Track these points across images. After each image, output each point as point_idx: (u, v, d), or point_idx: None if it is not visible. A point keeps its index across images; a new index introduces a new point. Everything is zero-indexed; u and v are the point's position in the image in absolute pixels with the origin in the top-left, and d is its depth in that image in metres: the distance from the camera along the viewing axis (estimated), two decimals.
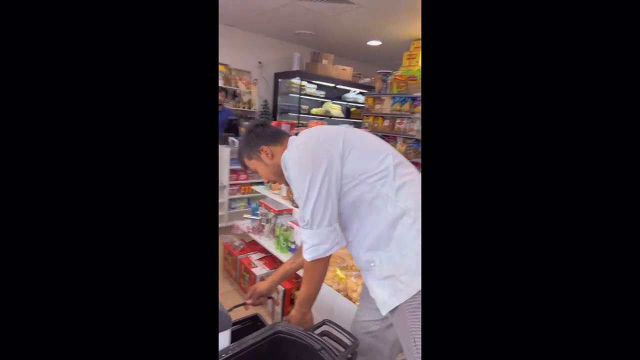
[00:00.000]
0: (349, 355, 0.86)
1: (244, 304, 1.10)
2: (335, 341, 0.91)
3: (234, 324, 0.99)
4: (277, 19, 3.72)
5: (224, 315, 0.77)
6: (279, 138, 0.99)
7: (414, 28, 3.68)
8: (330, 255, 0.90)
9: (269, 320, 1.04)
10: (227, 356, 0.74)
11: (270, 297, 1.21)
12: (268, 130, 1.00)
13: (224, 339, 0.77)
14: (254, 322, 1.06)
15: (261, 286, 1.14)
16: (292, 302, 1.77)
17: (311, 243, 0.87)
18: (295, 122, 4.25)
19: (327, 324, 0.95)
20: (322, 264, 0.90)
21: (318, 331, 0.91)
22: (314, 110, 4.83)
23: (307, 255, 0.88)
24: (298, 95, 4.48)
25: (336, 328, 0.94)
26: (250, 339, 0.80)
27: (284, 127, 2.15)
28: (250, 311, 1.08)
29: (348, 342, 0.89)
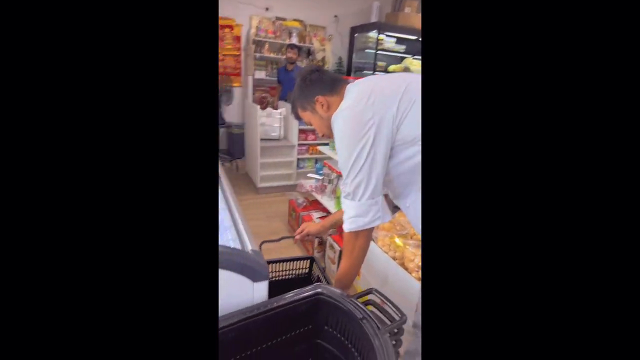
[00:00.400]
0: (395, 330, 0.78)
1: (292, 237, 1.20)
2: (382, 312, 0.83)
3: (290, 260, 1.10)
4: None
5: (262, 266, 0.75)
6: (335, 86, 0.87)
7: None
8: (372, 229, 0.84)
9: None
10: (265, 309, 0.73)
11: (317, 238, 1.35)
12: (324, 77, 0.89)
13: (261, 290, 0.76)
14: (309, 271, 1.14)
15: (312, 227, 1.17)
16: None
17: (350, 214, 0.82)
18: None
19: (374, 293, 0.88)
20: (363, 238, 0.85)
21: (363, 300, 0.84)
22: (391, 67, 4.44)
23: (346, 226, 0.84)
24: (374, 51, 4.14)
25: (383, 299, 0.86)
26: (289, 296, 0.77)
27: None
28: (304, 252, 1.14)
29: (395, 317, 0.81)
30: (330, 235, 1.86)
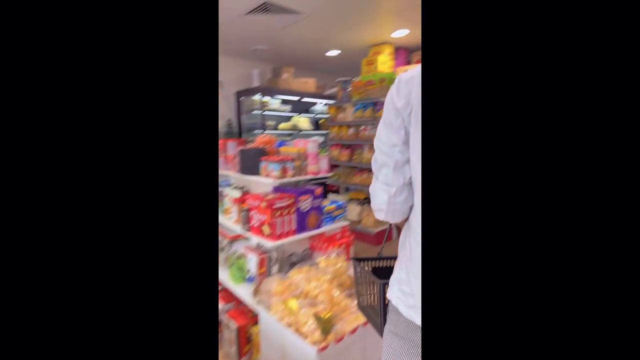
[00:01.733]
0: None
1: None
2: None
3: None
4: (230, 37, 3.61)
5: None
6: None
7: (370, 34, 3.64)
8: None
9: None
10: None
11: None
12: None
13: None
14: None
15: None
16: (248, 340, 1.56)
17: None
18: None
19: None
20: None
21: None
22: (281, 126, 4.70)
23: None
24: (261, 112, 4.34)
25: None
26: None
27: (230, 145, 1.98)
28: None
29: None
30: (226, 312, 1.66)
